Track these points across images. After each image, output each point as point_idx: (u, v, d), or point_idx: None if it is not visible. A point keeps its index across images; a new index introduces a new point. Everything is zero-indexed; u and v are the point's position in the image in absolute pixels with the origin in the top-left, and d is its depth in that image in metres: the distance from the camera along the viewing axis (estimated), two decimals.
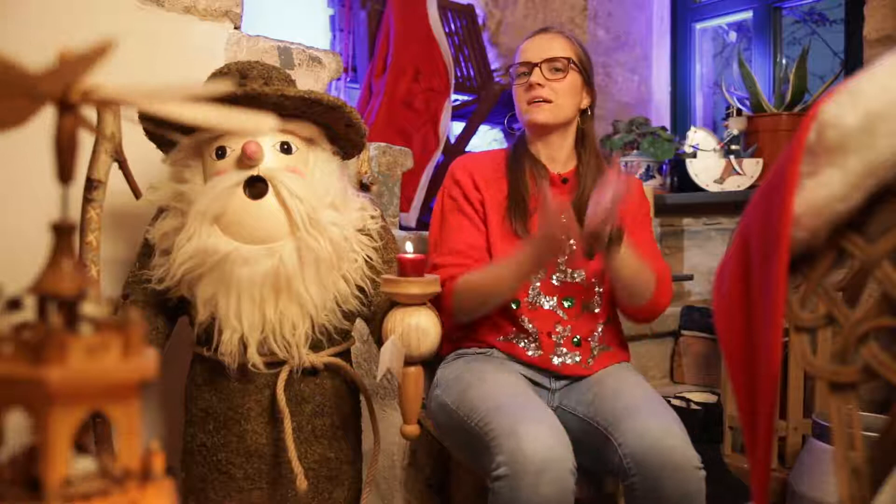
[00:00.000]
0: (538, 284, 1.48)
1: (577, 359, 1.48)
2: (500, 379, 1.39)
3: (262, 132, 1.19)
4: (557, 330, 1.48)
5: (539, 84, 1.49)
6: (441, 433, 1.52)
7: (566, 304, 1.49)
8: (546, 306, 1.48)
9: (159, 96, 0.48)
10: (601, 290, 1.52)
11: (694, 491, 1.23)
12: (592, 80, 1.58)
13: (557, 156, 1.55)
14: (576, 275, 1.50)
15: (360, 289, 1.29)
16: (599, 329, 1.52)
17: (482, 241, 1.49)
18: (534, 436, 1.19)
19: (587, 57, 1.58)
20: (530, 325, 1.46)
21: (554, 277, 1.49)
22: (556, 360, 1.46)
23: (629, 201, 1.54)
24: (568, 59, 1.51)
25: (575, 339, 1.48)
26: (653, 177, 2.72)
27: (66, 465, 0.43)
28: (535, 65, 1.50)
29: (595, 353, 1.50)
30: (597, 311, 1.51)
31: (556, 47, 1.52)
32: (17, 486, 0.45)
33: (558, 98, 1.50)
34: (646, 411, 1.31)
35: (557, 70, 1.50)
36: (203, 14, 1.64)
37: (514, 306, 1.47)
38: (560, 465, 1.19)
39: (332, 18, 2.56)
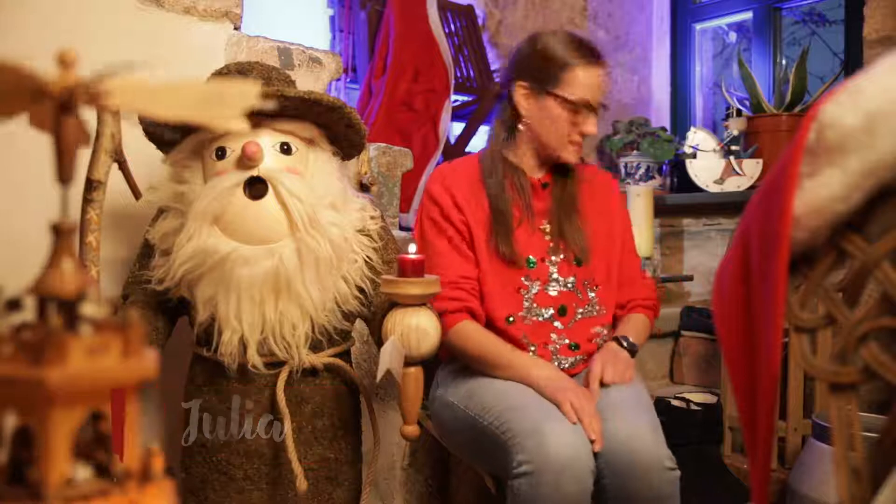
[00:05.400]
0: (533, 297, 1.47)
1: (578, 359, 1.48)
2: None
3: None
4: (552, 339, 1.47)
5: (594, 133, 1.50)
6: (444, 432, 1.51)
7: (561, 313, 1.48)
8: (541, 318, 1.47)
9: (162, 100, 0.47)
10: (597, 290, 1.51)
11: (666, 493, 1.23)
12: None
13: (542, 163, 1.53)
14: (568, 282, 1.50)
15: (360, 289, 1.29)
16: (605, 330, 1.51)
17: (472, 269, 1.45)
18: (557, 434, 1.21)
19: None
20: (526, 339, 1.45)
21: (548, 287, 1.48)
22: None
23: (609, 203, 1.58)
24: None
25: (571, 345, 1.48)
26: (653, 177, 2.73)
27: (66, 466, 0.43)
28: (595, 109, 1.49)
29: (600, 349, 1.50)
30: (598, 312, 1.51)
31: (604, 86, 1.51)
32: (18, 487, 0.45)
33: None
34: (618, 413, 1.30)
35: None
36: (203, 14, 1.64)
37: (511, 320, 1.45)
38: (581, 464, 1.20)
39: (332, 19, 2.55)
